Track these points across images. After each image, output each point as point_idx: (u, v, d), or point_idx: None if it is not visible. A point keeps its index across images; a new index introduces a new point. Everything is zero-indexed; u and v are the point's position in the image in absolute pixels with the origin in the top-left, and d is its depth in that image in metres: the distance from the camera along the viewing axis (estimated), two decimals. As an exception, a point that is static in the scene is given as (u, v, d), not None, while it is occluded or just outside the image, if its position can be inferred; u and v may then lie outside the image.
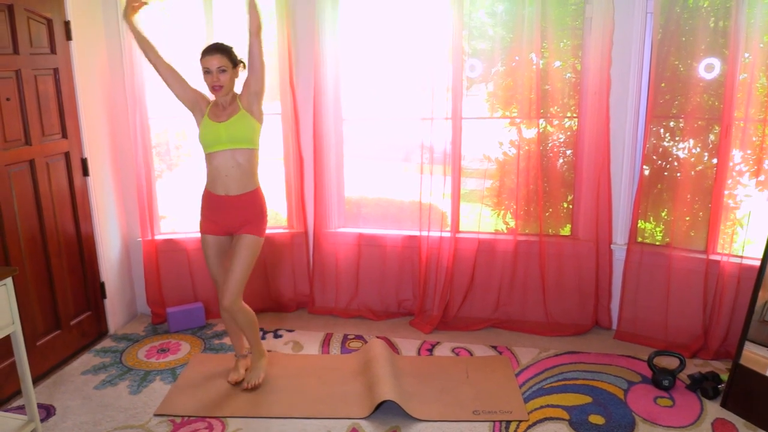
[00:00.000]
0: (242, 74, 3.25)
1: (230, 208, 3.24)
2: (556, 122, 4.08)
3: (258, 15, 3.09)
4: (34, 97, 3.52)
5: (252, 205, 3.27)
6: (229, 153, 3.17)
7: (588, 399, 3.30)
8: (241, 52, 3.24)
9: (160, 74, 3.23)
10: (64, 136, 3.78)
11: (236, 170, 3.19)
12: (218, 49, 3.13)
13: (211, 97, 3.27)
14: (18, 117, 3.42)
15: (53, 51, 3.66)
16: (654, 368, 3.43)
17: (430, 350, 3.93)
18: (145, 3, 3.29)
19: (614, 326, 4.14)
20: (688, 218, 3.82)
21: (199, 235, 3.38)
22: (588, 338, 4.06)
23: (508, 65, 4.00)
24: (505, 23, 3.96)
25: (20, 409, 3.21)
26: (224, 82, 3.12)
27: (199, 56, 3.14)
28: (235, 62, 3.18)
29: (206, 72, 3.12)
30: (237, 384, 3.50)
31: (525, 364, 3.72)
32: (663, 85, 3.73)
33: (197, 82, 3.27)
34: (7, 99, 3.33)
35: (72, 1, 3.75)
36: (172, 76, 3.23)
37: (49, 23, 3.62)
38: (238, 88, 3.27)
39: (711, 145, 3.70)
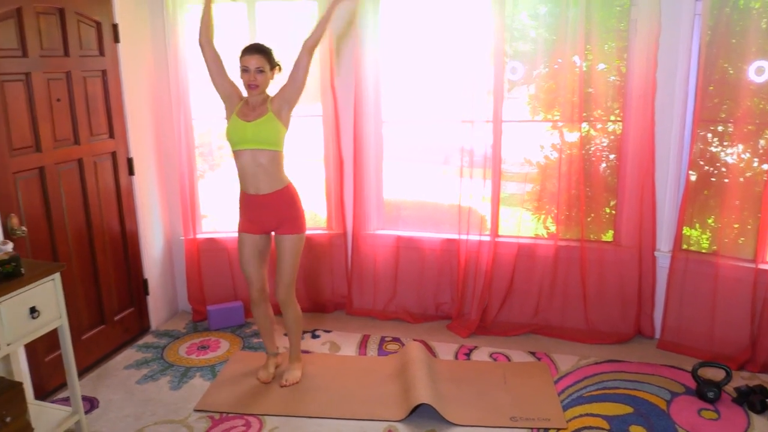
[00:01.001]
0: (277, 77, 3.31)
1: (264, 207, 3.29)
2: (599, 126, 4.01)
3: (323, 33, 3.17)
4: (83, 98, 3.61)
5: (285, 203, 3.31)
6: (252, 153, 3.21)
7: (629, 409, 3.23)
8: (281, 56, 3.29)
9: (205, 59, 3.25)
10: (111, 136, 3.87)
11: (260, 170, 3.23)
12: (258, 50, 3.18)
13: (245, 94, 3.31)
14: (68, 117, 3.52)
15: (102, 53, 3.75)
16: (698, 379, 3.34)
17: (468, 354, 3.91)
18: None
19: (657, 335, 4.04)
20: (736, 225, 3.71)
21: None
22: (630, 347, 3.97)
23: (551, 68, 3.95)
24: (548, 25, 3.92)
25: (65, 401, 3.29)
26: (260, 82, 3.18)
27: (239, 54, 3.20)
28: (272, 65, 3.23)
29: (244, 70, 3.17)
30: (266, 383, 3.54)
31: (564, 372, 3.66)
32: (711, 88, 3.63)
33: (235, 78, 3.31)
34: (58, 100, 3.43)
35: (120, 4, 3.85)
36: (216, 64, 3.26)
37: (98, 26, 3.72)
38: (270, 89, 3.31)
39: (761, 151, 3.59)
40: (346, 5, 3.85)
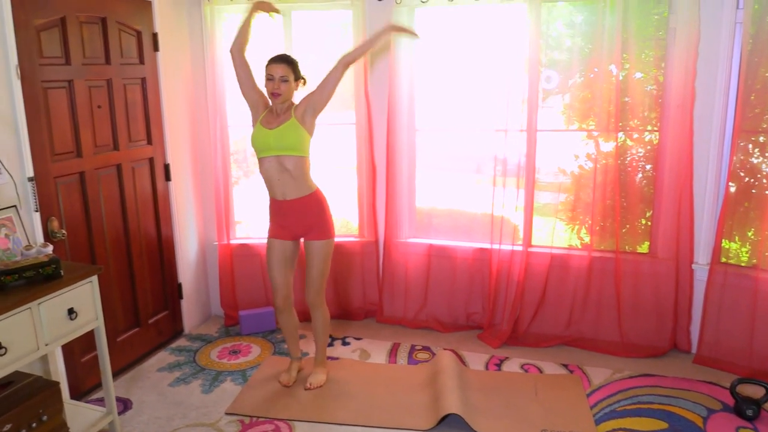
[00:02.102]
0: (301, 89, 3.36)
1: (293, 212, 3.34)
2: (635, 135, 3.95)
3: (363, 54, 3.26)
4: (123, 105, 3.70)
5: (312, 209, 3.35)
6: (277, 159, 3.27)
7: (664, 425, 3.16)
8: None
9: (235, 67, 3.33)
10: (149, 142, 3.95)
11: (285, 175, 3.28)
12: (284, 60, 3.25)
13: (270, 102, 3.36)
14: (108, 124, 3.61)
15: (142, 61, 3.84)
16: (737, 396, 3.25)
17: (499, 365, 3.87)
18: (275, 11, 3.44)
19: (694, 350, 3.95)
20: (777, 239, 3.62)
21: (271, 241, 3.47)
22: (665, 361, 3.89)
23: (586, 77, 3.91)
24: (584, 34, 3.88)
25: (100, 401, 3.35)
26: (284, 91, 3.23)
27: (266, 63, 3.26)
28: (297, 76, 3.29)
29: (269, 78, 3.23)
30: (287, 386, 3.57)
31: (597, 385, 3.60)
32: (752, 97, 3.55)
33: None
34: (99, 107, 3.52)
35: (160, 14, 3.93)
36: (245, 73, 3.34)
37: (139, 35, 3.80)
38: (295, 99, 3.36)
39: (805, 162, 3.50)
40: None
